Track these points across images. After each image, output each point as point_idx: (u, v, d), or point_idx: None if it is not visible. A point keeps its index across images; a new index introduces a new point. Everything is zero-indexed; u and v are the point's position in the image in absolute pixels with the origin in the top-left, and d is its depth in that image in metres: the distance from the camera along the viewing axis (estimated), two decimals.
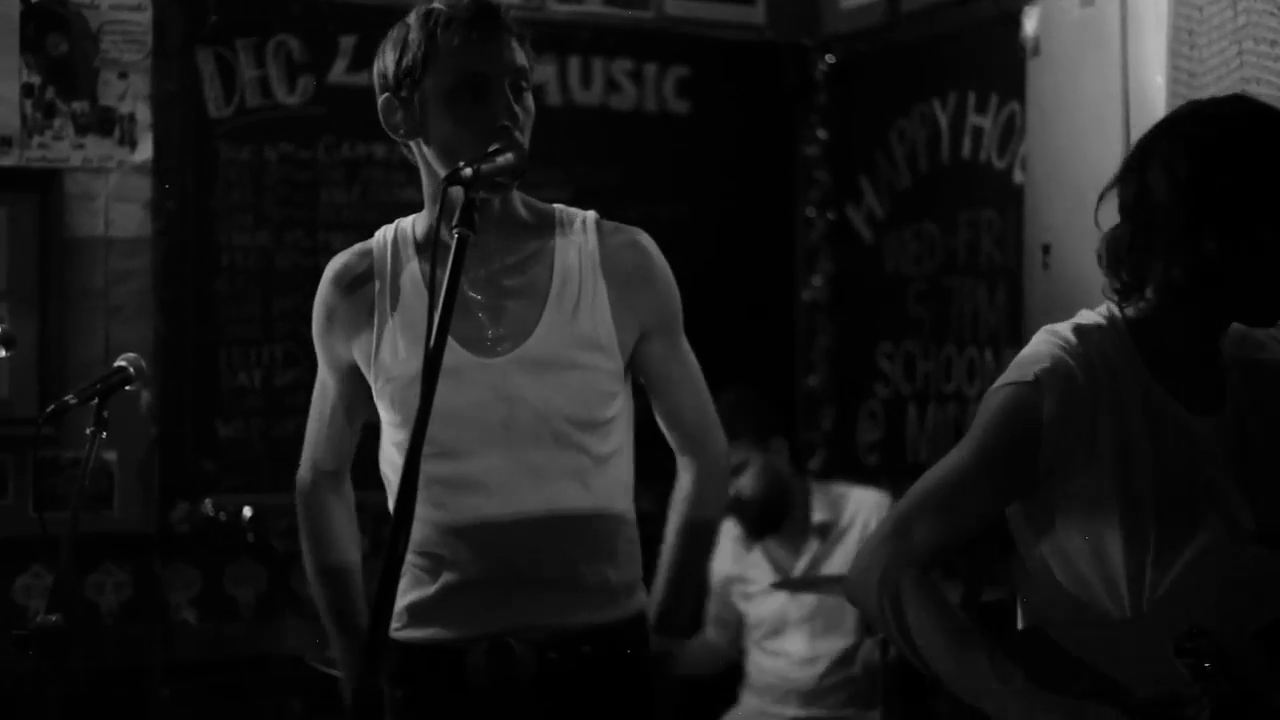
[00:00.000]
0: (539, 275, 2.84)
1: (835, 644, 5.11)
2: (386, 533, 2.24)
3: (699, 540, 3.12)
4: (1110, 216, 2.78)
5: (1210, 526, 2.68)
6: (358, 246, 2.96)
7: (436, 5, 2.81)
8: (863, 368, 5.85)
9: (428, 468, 2.63)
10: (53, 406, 3.29)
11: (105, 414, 3.27)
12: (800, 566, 5.18)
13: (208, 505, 5.18)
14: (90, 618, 5.05)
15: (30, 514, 4.93)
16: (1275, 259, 2.63)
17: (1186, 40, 4.33)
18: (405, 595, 2.87)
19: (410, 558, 2.84)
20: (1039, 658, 2.66)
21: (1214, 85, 4.25)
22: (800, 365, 6.06)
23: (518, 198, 2.89)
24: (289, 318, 5.27)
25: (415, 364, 2.39)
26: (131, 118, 5.08)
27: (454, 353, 2.74)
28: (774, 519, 5.19)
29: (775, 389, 5.59)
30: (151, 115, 5.11)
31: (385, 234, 2.95)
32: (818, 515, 5.19)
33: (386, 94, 2.85)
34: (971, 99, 5.36)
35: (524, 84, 2.80)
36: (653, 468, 3.05)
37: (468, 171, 2.49)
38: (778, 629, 5.19)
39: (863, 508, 5.18)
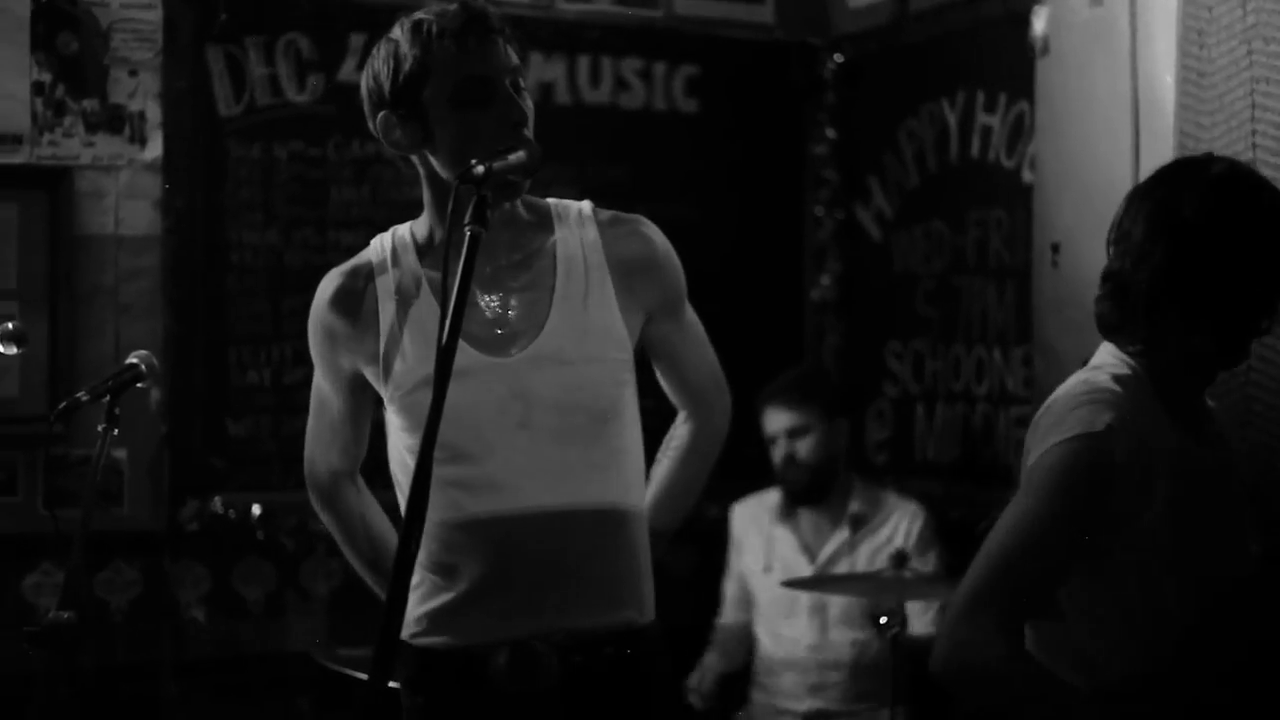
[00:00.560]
0: (543, 270, 2.85)
1: (845, 635, 5.12)
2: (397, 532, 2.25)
3: (687, 478, 3.14)
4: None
5: (1243, 559, 2.71)
6: (348, 265, 2.95)
7: (423, 16, 2.81)
8: (871, 367, 5.85)
9: (444, 472, 2.65)
10: (64, 403, 3.29)
11: (117, 411, 3.28)
12: (828, 551, 5.24)
13: (217, 503, 5.18)
14: (100, 615, 5.05)
15: (40, 511, 4.94)
16: (1233, 326, 2.70)
17: (1196, 40, 4.33)
18: (425, 603, 2.86)
19: (428, 568, 2.83)
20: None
21: (1223, 85, 4.25)
22: (807, 361, 6.05)
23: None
24: (299, 316, 5.19)
25: (425, 368, 2.39)
26: (141, 116, 5.09)
27: (465, 354, 2.73)
28: (818, 490, 5.26)
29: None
30: (161, 113, 5.12)
31: (382, 244, 2.95)
32: (854, 506, 5.26)
33: (384, 111, 2.84)
34: (980, 98, 5.36)
35: (521, 82, 2.81)
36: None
37: (480, 169, 2.50)
38: (789, 612, 5.21)
39: (895, 513, 5.23)
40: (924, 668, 2.74)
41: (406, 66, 2.78)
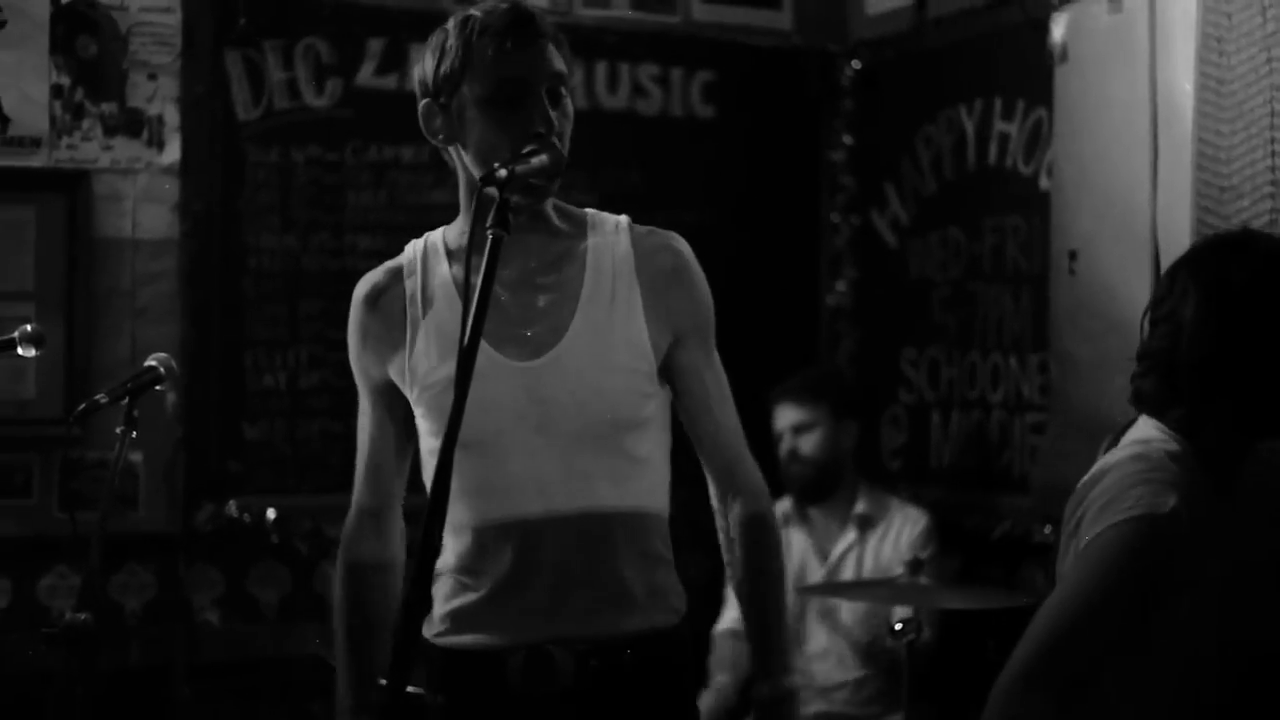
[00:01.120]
0: (571, 278, 2.85)
1: (854, 639, 5.14)
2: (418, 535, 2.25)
3: (774, 589, 3.06)
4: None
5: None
6: (386, 264, 2.97)
7: (474, 12, 2.82)
8: (886, 373, 5.85)
9: (465, 472, 2.65)
10: (83, 405, 3.29)
11: (135, 413, 3.28)
12: (838, 550, 5.29)
13: (232, 507, 5.18)
14: (114, 618, 5.05)
15: (56, 514, 4.94)
16: None
17: (1215, 47, 4.32)
18: (447, 603, 2.87)
19: (450, 570, 2.84)
20: None
21: (1243, 92, 4.24)
22: (823, 362, 6.05)
23: (550, 202, 2.90)
24: (315, 320, 5.27)
25: (447, 369, 2.39)
26: (160, 119, 5.10)
27: (488, 356, 2.74)
28: (822, 489, 5.32)
29: None
30: (180, 117, 5.12)
31: (415, 247, 2.96)
32: (860, 507, 5.32)
33: (426, 99, 2.86)
34: (998, 105, 5.35)
35: (562, 90, 2.80)
36: (678, 473, 3.04)
37: (503, 173, 2.52)
38: (798, 618, 5.22)
39: (898, 516, 5.26)
40: (939, 671, 2.75)
41: (449, 59, 2.80)
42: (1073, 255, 4.93)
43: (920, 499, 5.43)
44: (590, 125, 2.89)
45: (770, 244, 6.00)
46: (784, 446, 5.28)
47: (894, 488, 5.53)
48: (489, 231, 2.40)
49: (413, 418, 2.91)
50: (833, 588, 5.02)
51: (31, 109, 4.95)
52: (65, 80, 4.99)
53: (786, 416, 5.29)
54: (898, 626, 4.26)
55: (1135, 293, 4.65)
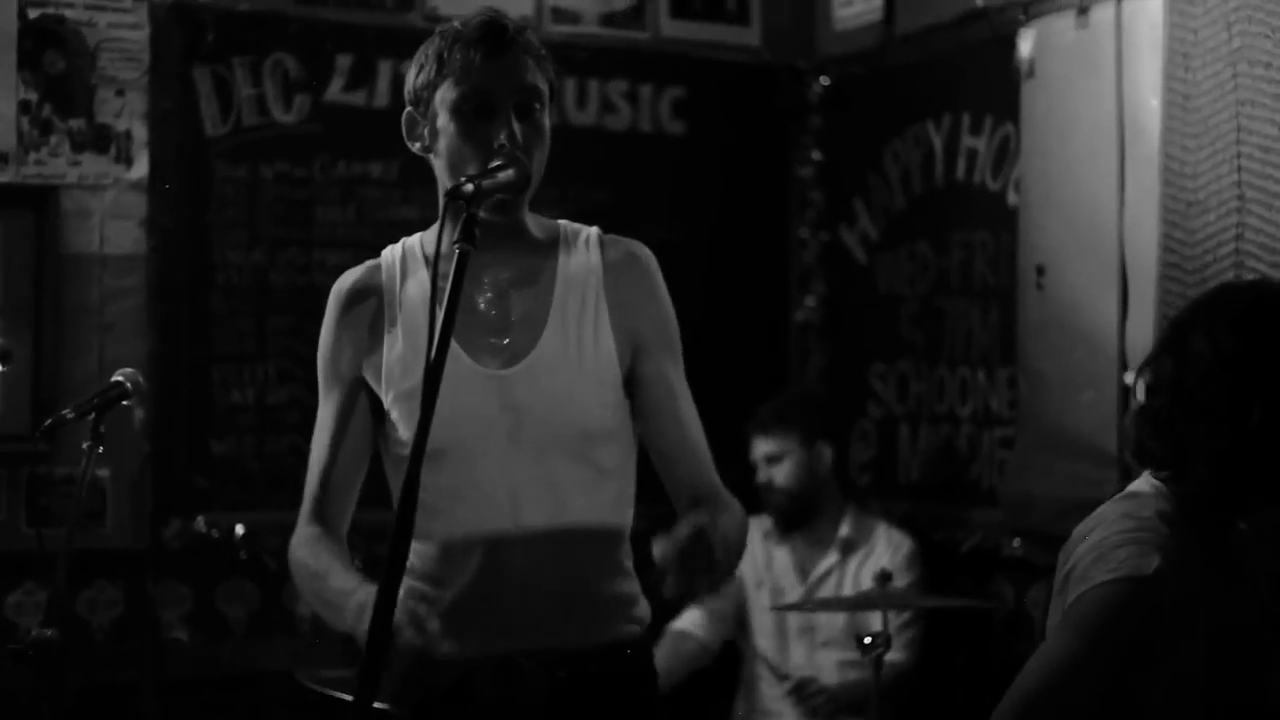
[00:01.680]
0: (544, 289, 2.86)
1: (832, 655, 5.14)
2: (383, 549, 2.24)
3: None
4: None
5: (1269, 692, 2.71)
6: (367, 263, 2.96)
7: (455, 23, 2.83)
8: (855, 388, 5.86)
9: (434, 481, 2.64)
10: (49, 421, 3.29)
11: (102, 429, 3.27)
12: (818, 572, 5.29)
13: (200, 522, 5.17)
14: (82, 634, 5.04)
15: (24, 530, 4.92)
16: None
17: (1181, 63, 4.34)
18: (412, 614, 2.85)
19: (415, 578, 2.82)
20: None
21: (1209, 108, 4.26)
22: (793, 385, 6.06)
23: (528, 215, 2.90)
24: (283, 335, 5.27)
25: (418, 376, 2.39)
26: (128, 135, 5.09)
27: (460, 363, 2.75)
28: (801, 516, 5.31)
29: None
30: (148, 133, 5.11)
31: (393, 251, 2.96)
32: (844, 530, 5.31)
33: (409, 108, 2.87)
34: (966, 121, 5.37)
35: (536, 104, 2.80)
36: (645, 487, 3.03)
37: (469, 187, 2.53)
38: (777, 633, 5.23)
39: (882, 540, 5.27)
40: (904, 691, 2.73)
41: (427, 69, 2.81)
42: (1040, 270, 4.95)
43: (889, 513, 5.44)
44: (559, 141, 2.89)
45: (739, 260, 6.00)
46: (760, 476, 5.28)
47: (867, 506, 5.53)
48: (456, 246, 2.40)
49: (376, 419, 2.90)
50: (805, 605, 5.02)
51: None
52: (33, 96, 4.98)
53: (759, 448, 5.29)
54: (867, 640, 4.26)
55: (1102, 307, 4.67)
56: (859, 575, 5.18)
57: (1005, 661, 4.47)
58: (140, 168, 5.10)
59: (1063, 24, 4.86)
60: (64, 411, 3.30)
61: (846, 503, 5.38)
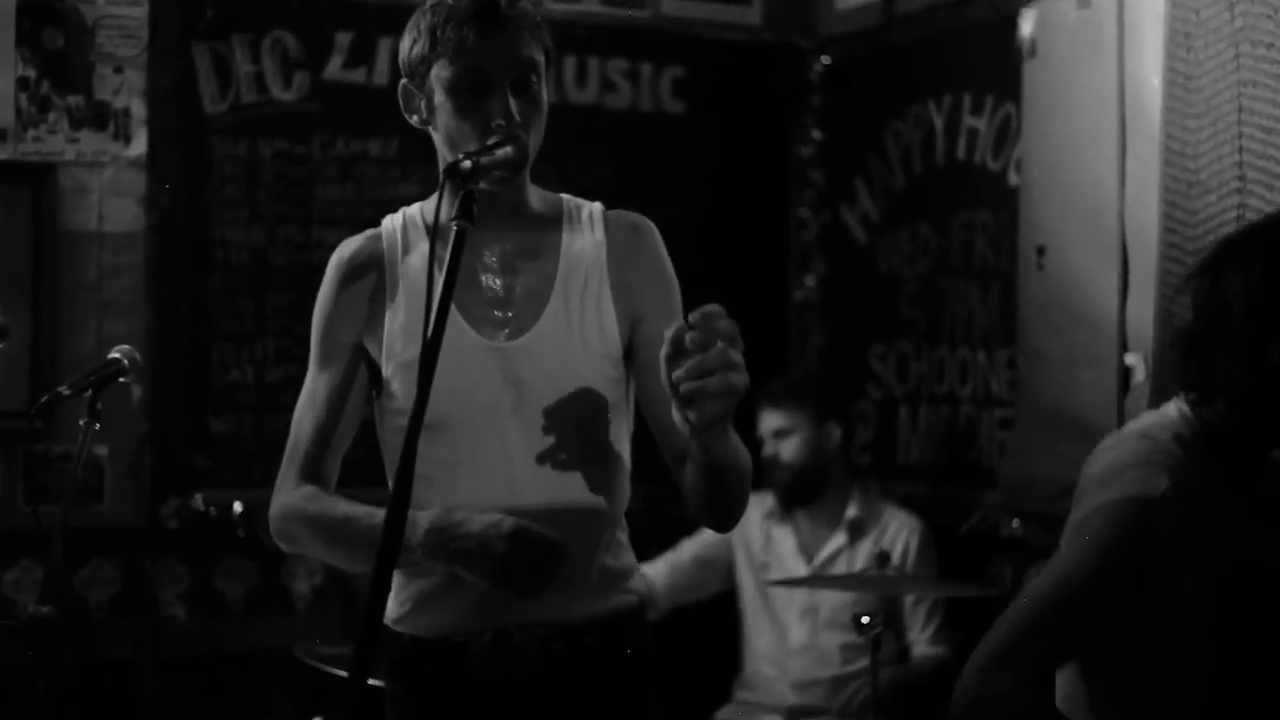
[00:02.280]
0: (547, 264, 2.85)
1: (836, 638, 5.13)
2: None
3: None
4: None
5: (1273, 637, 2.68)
6: (368, 232, 2.95)
7: None
8: (855, 368, 5.85)
9: (433, 452, 2.64)
10: (46, 397, 3.28)
11: (99, 405, 3.26)
12: (825, 554, 5.25)
13: (198, 500, 5.17)
14: (79, 612, 5.03)
15: (21, 507, 4.92)
16: None
17: (1183, 43, 4.33)
18: (406, 588, 2.86)
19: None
20: None
21: (1210, 88, 4.25)
22: (793, 365, 6.05)
23: (530, 187, 2.90)
24: (282, 314, 5.26)
25: (417, 347, 2.38)
26: (126, 112, 5.07)
27: (464, 335, 2.76)
28: (805, 493, 5.28)
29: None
30: (146, 110, 5.10)
31: (394, 220, 2.95)
32: (852, 511, 5.27)
33: (404, 80, 2.85)
34: (967, 101, 5.36)
35: (533, 77, 2.78)
36: (643, 468, 3.02)
37: (466, 164, 2.53)
38: (780, 614, 5.22)
39: (893, 523, 5.24)
40: (949, 682, 2.70)
41: (420, 42, 2.79)
42: (1041, 251, 4.94)
43: (889, 493, 5.43)
44: (558, 120, 2.88)
45: (739, 239, 5.99)
46: (766, 450, 5.26)
47: (872, 487, 5.51)
48: (454, 223, 2.40)
49: (371, 388, 2.89)
50: (806, 580, 5.00)
51: None
52: (31, 73, 4.97)
53: (766, 421, 5.26)
54: (865, 619, 4.25)
55: (1103, 288, 4.66)
56: (869, 557, 5.14)
57: None
58: (139, 145, 5.09)
59: (1064, 3, 4.85)
60: (60, 388, 3.29)
61: (853, 484, 5.35)
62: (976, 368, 5.30)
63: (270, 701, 5.22)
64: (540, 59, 2.81)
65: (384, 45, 5.34)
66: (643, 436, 2.98)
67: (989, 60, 5.20)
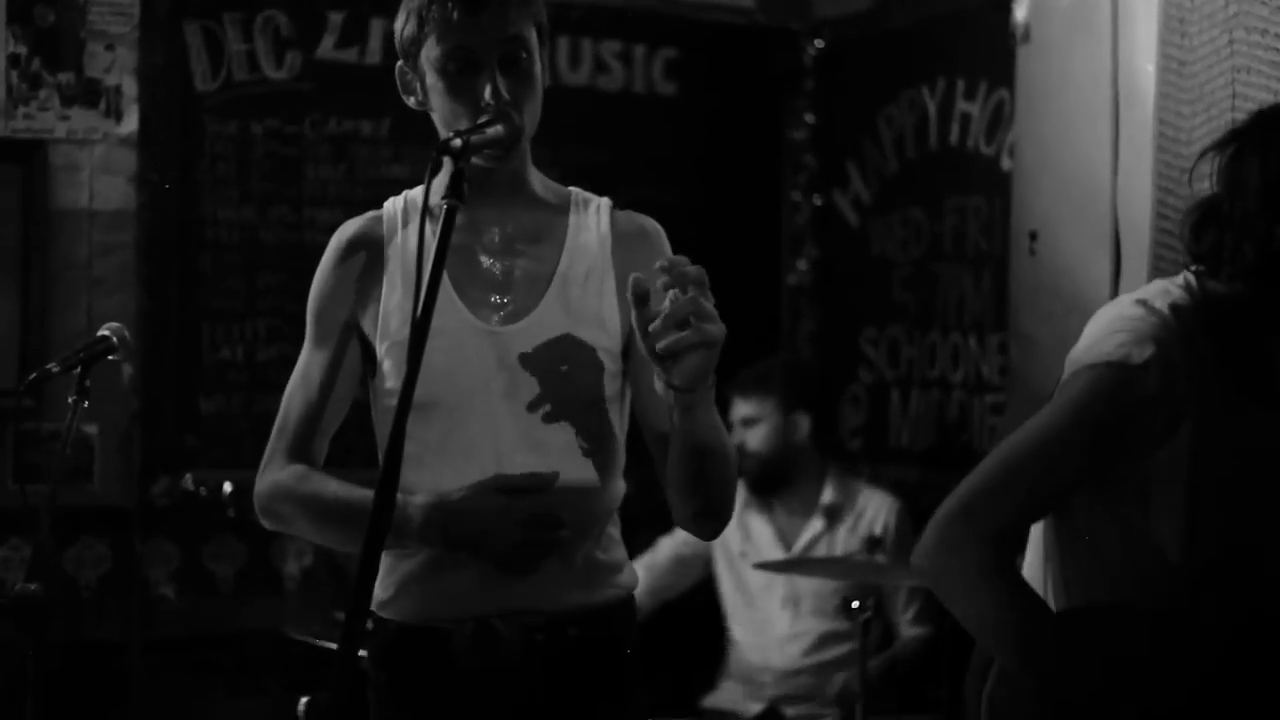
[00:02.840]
0: (550, 252, 2.83)
1: (818, 625, 5.12)
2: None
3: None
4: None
5: (1270, 524, 2.66)
6: (369, 213, 2.93)
7: None
8: (847, 352, 5.85)
9: (423, 434, 2.63)
10: (34, 374, 3.27)
11: (87, 383, 3.25)
12: (803, 541, 5.22)
13: (188, 480, 5.16)
14: (68, 591, 5.03)
15: (9, 485, 4.91)
16: None
17: (1177, 28, 4.32)
18: (391, 573, 2.84)
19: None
20: (1110, 637, 2.63)
21: (1204, 74, 4.25)
22: (784, 349, 6.05)
23: (535, 174, 2.88)
24: (273, 293, 5.25)
25: (409, 328, 2.37)
26: (117, 90, 5.06)
27: (459, 316, 2.74)
28: (772, 482, 5.25)
29: None
30: (138, 88, 5.09)
31: (395, 203, 2.93)
32: (827, 496, 5.23)
33: (400, 62, 2.84)
34: (960, 85, 5.35)
35: (522, 54, 2.76)
36: (632, 455, 3.01)
37: (457, 143, 2.51)
38: (761, 599, 5.21)
39: (871, 505, 5.21)
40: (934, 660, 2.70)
41: (412, 22, 2.77)
42: (1033, 236, 4.93)
43: (880, 478, 5.43)
44: (552, 101, 2.86)
45: (731, 222, 5.99)
46: (734, 437, 5.21)
47: (857, 469, 5.51)
48: (444, 202, 2.39)
49: (365, 368, 2.88)
50: (790, 564, 4.99)
51: None
52: (22, 50, 4.95)
53: (736, 409, 5.23)
54: (854, 604, 4.25)
55: (1095, 273, 4.65)
56: (849, 542, 5.15)
57: None
58: (130, 123, 5.08)
59: None
60: (49, 365, 3.27)
61: (827, 468, 5.31)
62: (968, 353, 5.30)
63: (260, 681, 5.22)
64: (530, 34, 2.78)
65: (376, 25, 5.33)
66: (634, 430, 2.97)
67: (983, 45, 5.20)
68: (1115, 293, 4.59)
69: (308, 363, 2.91)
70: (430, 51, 2.75)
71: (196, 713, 5.20)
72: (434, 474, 2.74)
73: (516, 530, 2.67)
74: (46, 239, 4.96)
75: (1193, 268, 2.72)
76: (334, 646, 3.15)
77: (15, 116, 4.94)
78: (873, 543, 4.54)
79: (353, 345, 2.87)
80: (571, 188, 2.95)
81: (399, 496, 2.35)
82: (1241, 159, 2.66)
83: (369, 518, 2.21)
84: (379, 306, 2.84)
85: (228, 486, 5.16)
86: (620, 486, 2.91)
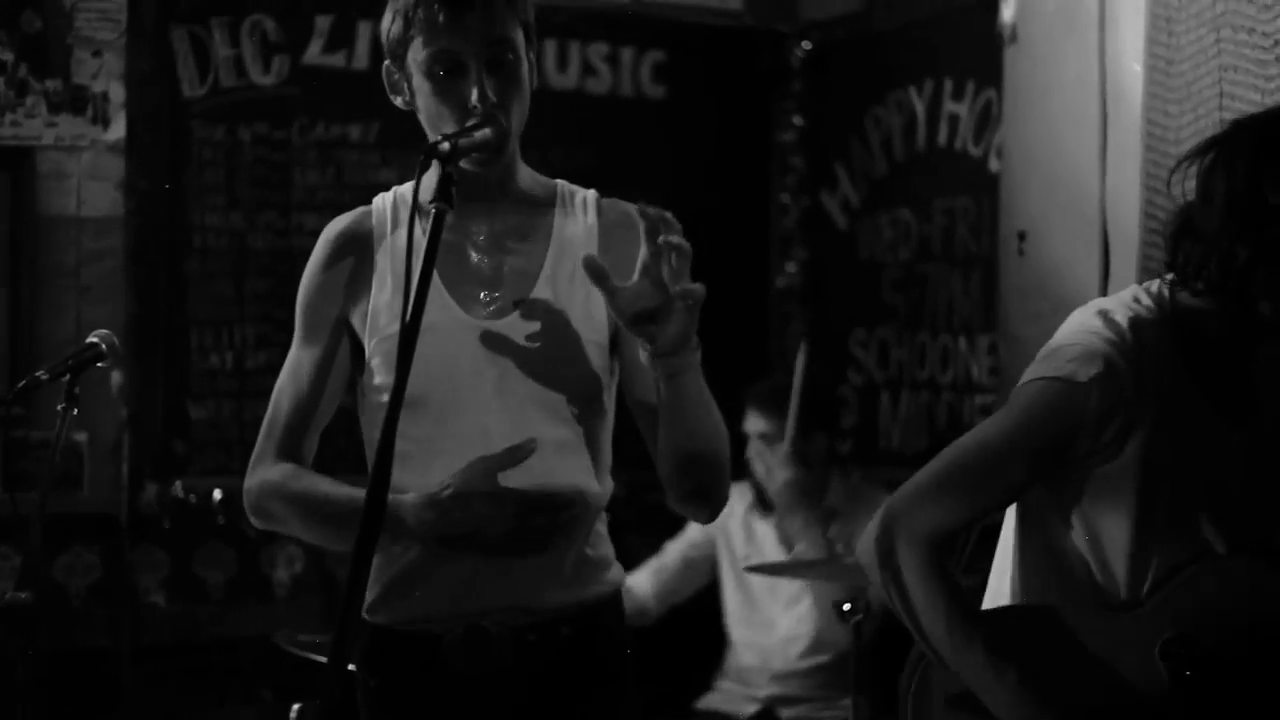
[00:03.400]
0: (537, 247, 2.83)
1: (818, 627, 5.11)
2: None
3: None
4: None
5: (1216, 538, 2.68)
6: (358, 209, 2.93)
7: None
8: (836, 354, 5.85)
9: (412, 431, 2.63)
10: (23, 382, 3.26)
11: (76, 390, 3.24)
12: (805, 544, 5.18)
13: (178, 487, 5.16)
14: (58, 599, 5.02)
15: (0, 493, 4.90)
16: None
17: (1164, 28, 4.33)
18: (379, 576, 2.83)
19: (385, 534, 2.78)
20: (1033, 639, 2.68)
21: (1191, 73, 4.25)
22: (774, 351, 6.05)
23: (522, 167, 2.88)
24: (261, 299, 5.25)
25: (399, 324, 2.37)
26: (105, 96, 5.06)
27: (450, 312, 2.73)
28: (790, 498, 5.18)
29: (748, 375, 5.56)
30: (125, 94, 5.09)
31: (384, 199, 2.93)
32: (831, 499, 5.20)
33: (387, 62, 2.83)
34: (948, 86, 5.35)
35: (509, 55, 2.76)
36: (623, 455, 3.01)
37: (445, 146, 2.51)
38: (764, 601, 5.20)
39: (872, 508, 5.13)
40: (887, 659, 2.75)
41: (398, 22, 2.76)
42: (1022, 236, 4.94)
43: (870, 479, 5.42)
44: (539, 104, 2.85)
45: (720, 225, 5.97)
46: (751, 449, 5.18)
47: (851, 472, 5.49)
48: (432, 205, 2.40)
49: (354, 367, 2.87)
50: (780, 567, 4.98)
51: None
52: (9, 56, 4.95)
53: (754, 423, 5.17)
54: (846, 606, 4.24)
55: (1084, 273, 4.66)
56: (846, 540, 5.13)
57: None
58: (117, 129, 5.07)
59: None
60: (37, 373, 3.27)
61: (831, 472, 5.27)
62: (957, 354, 5.30)
63: (250, 689, 5.22)
64: (517, 35, 2.78)
65: (363, 29, 5.33)
66: (623, 427, 2.97)
67: (970, 46, 5.20)
68: (1104, 292, 4.60)
69: (297, 360, 2.90)
70: (417, 54, 2.75)
71: None
72: (424, 470, 2.72)
73: (511, 519, 2.67)
74: (34, 246, 4.96)
75: (1168, 277, 2.75)
76: (323, 660, 3.14)
77: (2, 123, 4.94)
78: None
79: (342, 342, 2.87)
80: (558, 180, 2.95)
81: (390, 497, 2.34)
82: (1214, 170, 2.68)
83: (360, 518, 2.21)
84: (368, 304, 2.83)
85: (217, 494, 5.14)
86: (608, 483, 2.90)
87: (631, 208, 2.93)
